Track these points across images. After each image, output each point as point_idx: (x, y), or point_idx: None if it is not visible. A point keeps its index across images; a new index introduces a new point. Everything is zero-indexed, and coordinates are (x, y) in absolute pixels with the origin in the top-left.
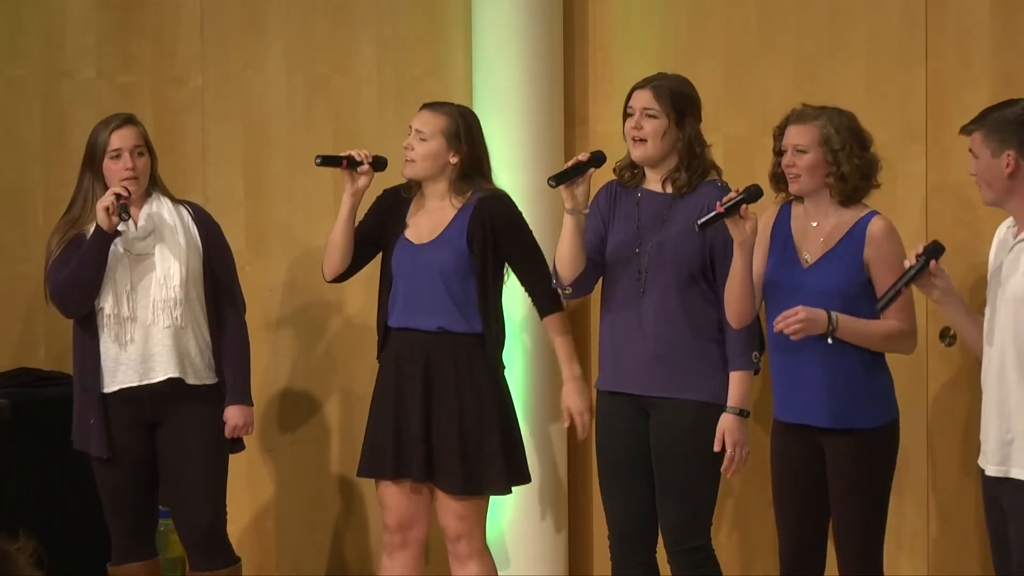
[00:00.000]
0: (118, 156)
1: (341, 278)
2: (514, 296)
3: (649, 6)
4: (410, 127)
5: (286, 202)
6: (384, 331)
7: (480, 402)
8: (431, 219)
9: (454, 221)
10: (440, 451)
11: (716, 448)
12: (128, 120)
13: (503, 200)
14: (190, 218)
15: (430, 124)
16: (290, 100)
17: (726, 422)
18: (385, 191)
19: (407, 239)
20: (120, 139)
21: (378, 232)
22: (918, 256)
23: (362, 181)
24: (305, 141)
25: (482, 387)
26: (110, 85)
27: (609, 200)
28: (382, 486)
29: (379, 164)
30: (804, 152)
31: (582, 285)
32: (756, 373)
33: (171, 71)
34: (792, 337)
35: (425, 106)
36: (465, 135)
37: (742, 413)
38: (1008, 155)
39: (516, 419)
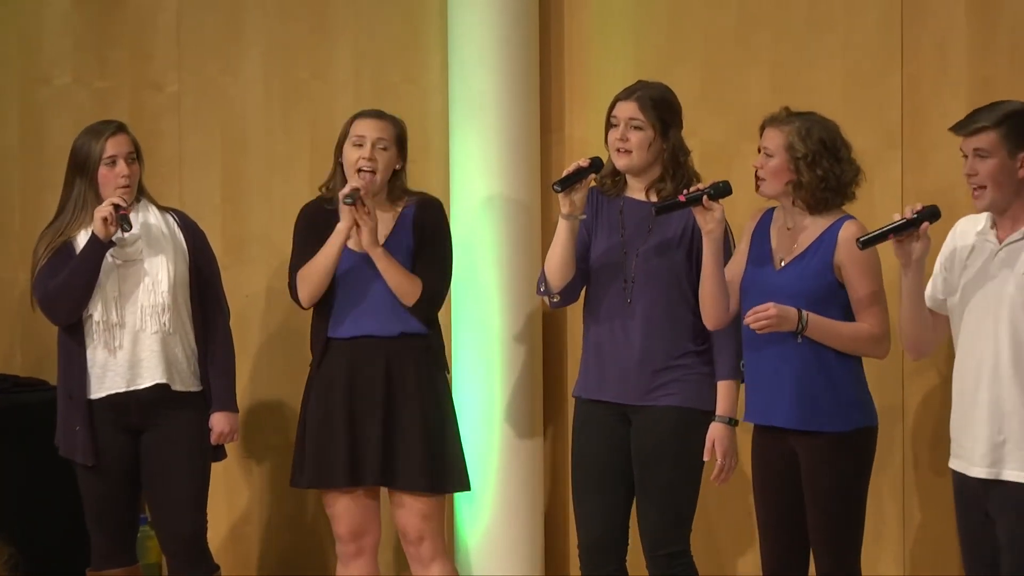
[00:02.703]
0: (113, 163)
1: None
2: (491, 306)
3: (625, 12)
4: (361, 137)
5: (263, 207)
6: (325, 344)
7: (439, 402)
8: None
9: (398, 227)
10: (404, 452)
11: (706, 457)
12: (121, 128)
13: (437, 206)
14: (176, 225)
15: (388, 132)
16: (267, 105)
17: (716, 431)
18: (305, 209)
19: (350, 249)
20: (115, 146)
21: None
22: (915, 212)
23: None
24: (282, 146)
25: (439, 387)
26: (87, 90)
27: (591, 207)
28: (331, 496)
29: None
30: (771, 156)
31: (569, 293)
32: (743, 382)
33: (148, 76)
34: (758, 332)
35: (371, 114)
36: (406, 141)
37: (731, 422)
38: (1021, 157)
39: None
